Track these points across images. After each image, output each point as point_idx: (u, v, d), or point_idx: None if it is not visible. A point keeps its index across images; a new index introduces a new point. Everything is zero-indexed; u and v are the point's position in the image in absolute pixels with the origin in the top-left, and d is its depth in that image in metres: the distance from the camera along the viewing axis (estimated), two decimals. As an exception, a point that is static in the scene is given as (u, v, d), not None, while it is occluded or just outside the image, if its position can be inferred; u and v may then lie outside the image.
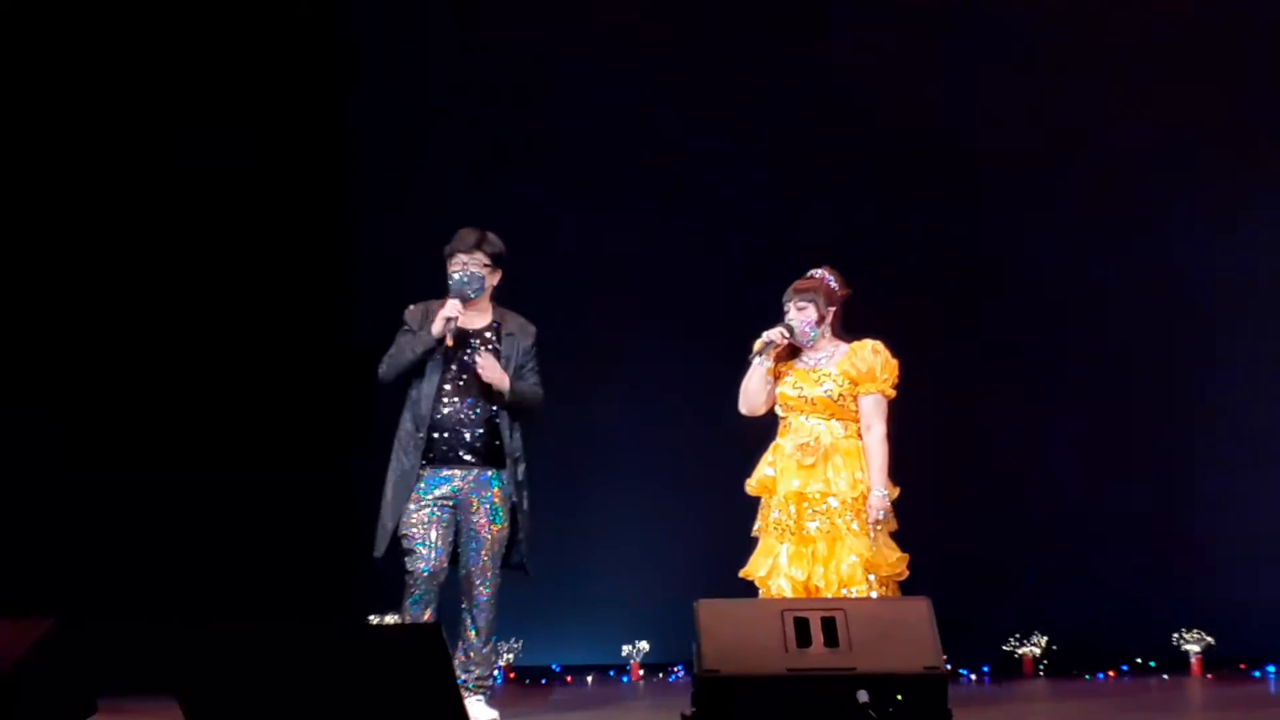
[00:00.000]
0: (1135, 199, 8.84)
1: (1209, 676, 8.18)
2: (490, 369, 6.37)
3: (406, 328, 6.49)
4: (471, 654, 6.38)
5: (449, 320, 6.33)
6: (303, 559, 8.73)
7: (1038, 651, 8.56)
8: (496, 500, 6.40)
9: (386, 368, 6.46)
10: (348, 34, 9.56)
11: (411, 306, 6.56)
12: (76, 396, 8.55)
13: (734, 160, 9.16)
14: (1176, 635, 8.35)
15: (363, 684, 4.27)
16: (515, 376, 6.42)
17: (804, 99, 9.11)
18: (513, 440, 6.44)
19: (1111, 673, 8.40)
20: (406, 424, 6.42)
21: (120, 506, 8.39)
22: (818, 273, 6.43)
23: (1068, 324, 8.86)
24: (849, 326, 6.39)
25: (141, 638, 5.42)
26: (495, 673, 6.61)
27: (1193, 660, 8.29)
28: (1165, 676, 8.26)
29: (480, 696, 6.36)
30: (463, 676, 6.30)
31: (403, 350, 6.43)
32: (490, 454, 6.39)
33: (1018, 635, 8.60)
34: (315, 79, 9.40)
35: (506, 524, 6.43)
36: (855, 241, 8.55)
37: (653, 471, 9.04)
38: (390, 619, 7.93)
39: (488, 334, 6.50)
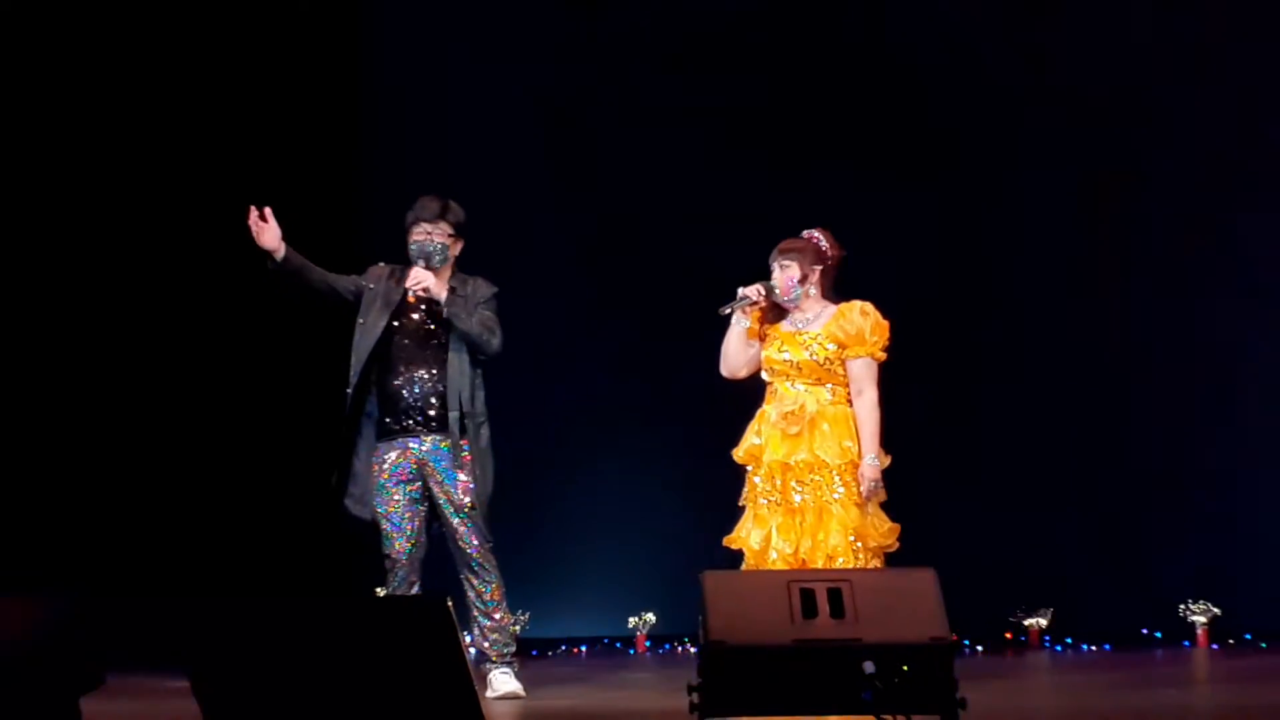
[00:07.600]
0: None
1: (1215, 647, 8.20)
2: (418, 274, 6.17)
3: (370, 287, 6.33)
4: (484, 622, 6.19)
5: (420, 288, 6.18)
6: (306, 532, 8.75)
7: (1044, 623, 8.57)
8: (465, 461, 6.17)
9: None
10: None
11: (381, 264, 6.41)
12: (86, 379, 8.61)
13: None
14: (1183, 606, 8.34)
15: (370, 658, 4.27)
16: (468, 312, 6.21)
17: (806, 70, 9.10)
18: (474, 403, 6.21)
19: (1117, 644, 8.41)
20: (370, 389, 6.26)
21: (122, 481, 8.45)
22: (807, 232, 6.21)
23: (1068, 298, 8.85)
24: (843, 291, 6.17)
25: (150, 612, 5.45)
26: (513, 644, 6.36)
27: (1199, 631, 8.29)
28: (1171, 647, 8.27)
29: (505, 668, 6.20)
30: (483, 647, 6.20)
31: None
32: (451, 420, 6.16)
33: (1024, 606, 8.62)
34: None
35: (481, 481, 6.19)
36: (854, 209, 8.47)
37: (659, 442, 9.03)
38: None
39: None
